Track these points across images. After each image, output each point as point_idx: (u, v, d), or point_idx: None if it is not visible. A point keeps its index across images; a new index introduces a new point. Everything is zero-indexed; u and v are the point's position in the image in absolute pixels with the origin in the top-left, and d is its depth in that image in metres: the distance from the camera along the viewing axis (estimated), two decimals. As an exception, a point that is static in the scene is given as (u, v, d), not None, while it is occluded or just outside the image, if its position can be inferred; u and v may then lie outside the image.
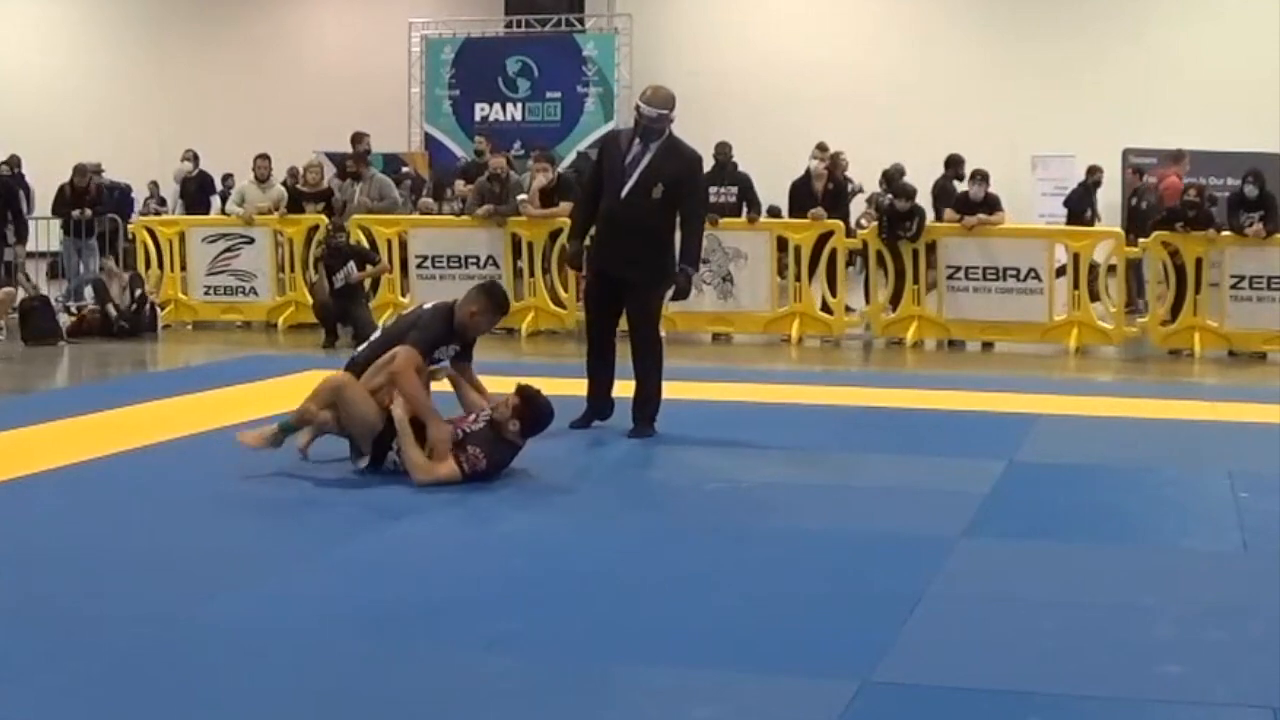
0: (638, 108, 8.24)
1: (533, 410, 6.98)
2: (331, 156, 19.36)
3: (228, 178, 19.71)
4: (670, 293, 8.47)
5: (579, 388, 8.52)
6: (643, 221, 8.15)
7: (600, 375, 8.48)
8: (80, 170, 17.35)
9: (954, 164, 15.97)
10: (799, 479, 7.34)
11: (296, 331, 14.68)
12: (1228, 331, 13.45)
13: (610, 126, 23.22)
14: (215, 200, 18.96)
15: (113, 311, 14.20)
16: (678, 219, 8.36)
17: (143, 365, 13.19)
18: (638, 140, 8.17)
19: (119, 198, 19.67)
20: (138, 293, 14.46)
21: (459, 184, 16.95)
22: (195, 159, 19.49)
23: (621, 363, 8.56)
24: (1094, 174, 18.62)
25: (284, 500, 6.61)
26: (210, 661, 4.41)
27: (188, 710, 4.04)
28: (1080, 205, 18.02)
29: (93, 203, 17.15)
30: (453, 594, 5.14)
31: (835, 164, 15.70)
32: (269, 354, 13.02)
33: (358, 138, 17.81)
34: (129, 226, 16.90)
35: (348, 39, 27.42)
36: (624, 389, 8.50)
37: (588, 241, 8.51)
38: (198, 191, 18.21)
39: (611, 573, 5.49)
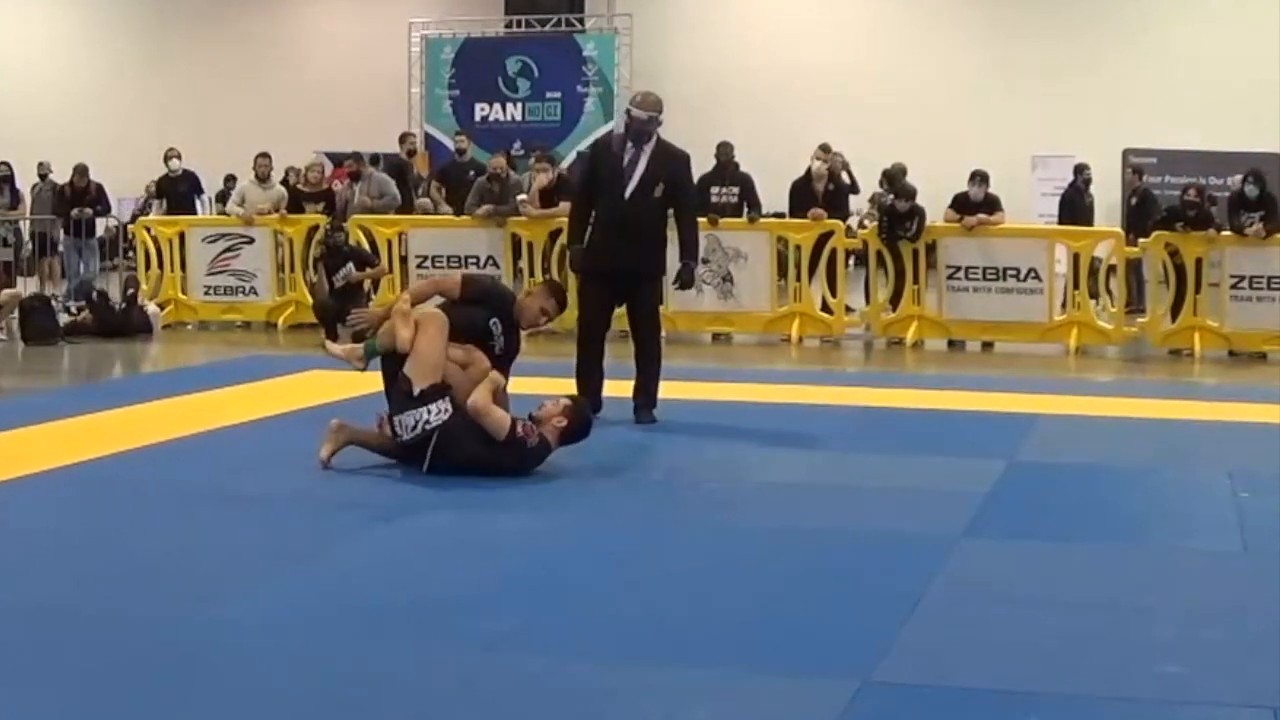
0: (628, 112, 8.73)
1: (580, 415, 7.17)
2: (331, 156, 19.36)
3: (230, 179, 19.64)
4: (675, 286, 8.97)
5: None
6: (647, 219, 8.57)
7: (594, 373, 8.68)
8: (80, 170, 17.33)
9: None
10: (799, 478, 7.34)
11: (296, 331, 14.68)
12: (1228, 331, 13.44)
13: (610, 126, 23.26)
14: (208, 201, 18.80)
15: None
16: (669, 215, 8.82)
17: (142, 365, 13.19)
18: (630, 143, 8.56)
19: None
20: (129, 292, 14.47)
21: (433, 185, 17.00)
22: (179, 158, 19.24)
23: (612, 362, 8.68)
24: (1082, 172, 18.46)
25: (284, 500, 6.61)
26: (211, 661, 4.41)
27: (189, 710, 4.04)
28: (1075, 206, 17.85)
29: (93, 203, 17.13)
30: (452, 594, 5.13)
31: (834, 164, 15.69)
32: (269, 354, 13.01)
33: (403, 138, 18.09)
34: (129, 227, 16.88)
35: (348, 39, 27.41)
36: (614, 389, 8.57)
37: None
38: (188, 191, 18.02)
39: (611, 572, 5.49)
